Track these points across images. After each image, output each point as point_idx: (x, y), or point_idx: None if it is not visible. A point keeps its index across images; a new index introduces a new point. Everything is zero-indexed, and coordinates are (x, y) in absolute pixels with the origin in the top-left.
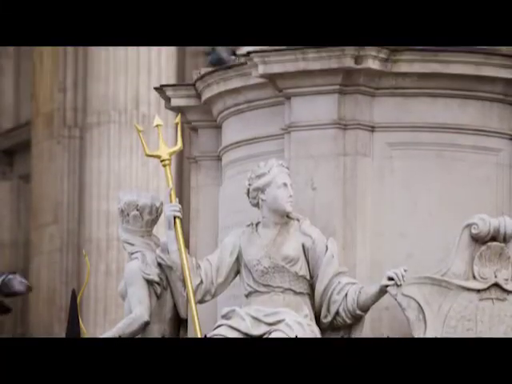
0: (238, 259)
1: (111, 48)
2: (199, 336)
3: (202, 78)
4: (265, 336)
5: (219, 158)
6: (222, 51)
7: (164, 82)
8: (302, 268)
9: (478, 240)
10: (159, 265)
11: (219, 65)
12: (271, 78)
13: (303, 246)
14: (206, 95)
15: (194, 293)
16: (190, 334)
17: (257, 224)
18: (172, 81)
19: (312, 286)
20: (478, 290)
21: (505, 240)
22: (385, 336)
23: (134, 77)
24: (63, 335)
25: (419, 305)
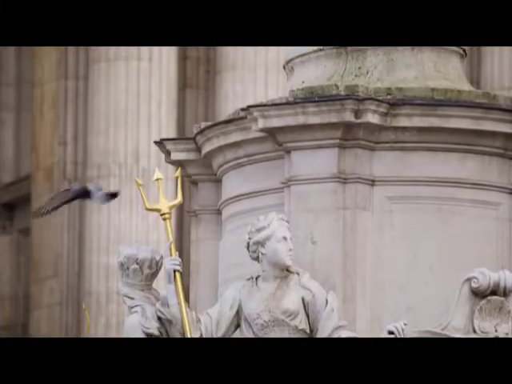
0: (238, 313)
1: (112, 101)
2: None
3: (202, 131)
4: None
5: (219, 212)
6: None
7: (164, 136)
8: (301, 322)
9: (478, 294)
10: (159, 319)
11: (83, 196)
12: (271, 132)
13: (303, 300)
14: (206, 149)
15: None
16: None
17: (257, 278)
18: (172, 134)
19: None
20: None
21: (505, 294)
22: None
23: (134, 130)
24: None
25: None
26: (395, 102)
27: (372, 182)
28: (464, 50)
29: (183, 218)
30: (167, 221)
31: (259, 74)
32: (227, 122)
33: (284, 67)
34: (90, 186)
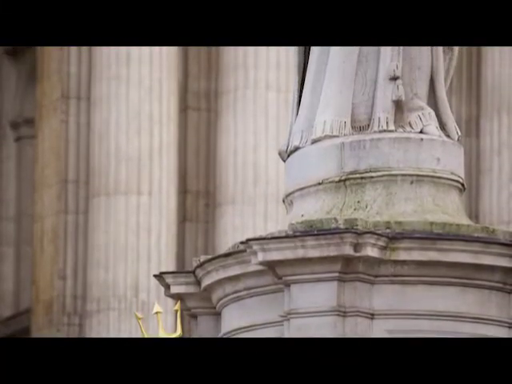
0: None
1: (111, 235)
2: None
3: (201, 265)
4: None
5: None
6: None
7: (163, 269)
8: None
9: None
10: None
11: None
12: (270, 266)
13: None
14: (205, 282)
15: None
16: None
17: None
18: (171, 268)
19: None
20: None
21: None
22: None
23: (133, 264)
24: None
25: None
26: (394, 235)
27: (371, 316)
28: (463, 184)
29: None
30: None
31: (258, 208)
32: (226, 255)
33: (283, 201)
34: None
